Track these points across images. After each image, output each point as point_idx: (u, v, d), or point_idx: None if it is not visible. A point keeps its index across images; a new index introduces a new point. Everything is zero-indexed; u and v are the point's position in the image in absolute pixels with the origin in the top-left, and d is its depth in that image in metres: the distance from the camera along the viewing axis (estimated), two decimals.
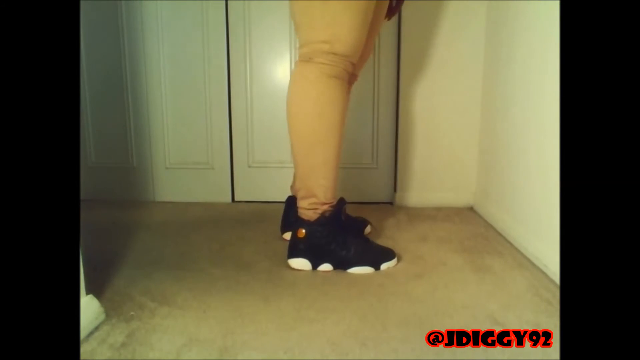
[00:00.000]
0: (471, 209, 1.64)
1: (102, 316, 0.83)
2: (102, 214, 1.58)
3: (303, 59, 1.04)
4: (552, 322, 0.81)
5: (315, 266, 1.07)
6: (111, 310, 0.86)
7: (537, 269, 1.06)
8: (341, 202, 1.11)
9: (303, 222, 1.09)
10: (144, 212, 1.61)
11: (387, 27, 1.62)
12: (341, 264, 1.06)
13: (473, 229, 1.39)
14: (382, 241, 1.26)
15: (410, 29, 1.59)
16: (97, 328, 0.80)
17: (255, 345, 0.75)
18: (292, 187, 1.26)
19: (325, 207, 1.08)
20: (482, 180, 1.60)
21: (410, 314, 0.85)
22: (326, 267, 1.07)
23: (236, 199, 1.77)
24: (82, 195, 1.56)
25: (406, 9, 1.57)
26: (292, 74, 1.07)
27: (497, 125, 1.44)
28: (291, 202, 1.25)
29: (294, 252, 1.08)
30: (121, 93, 1.73)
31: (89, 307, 0.80)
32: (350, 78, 1.13)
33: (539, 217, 1.11)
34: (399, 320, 0.82)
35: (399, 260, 1.11)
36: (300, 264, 1.07)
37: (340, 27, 1.00)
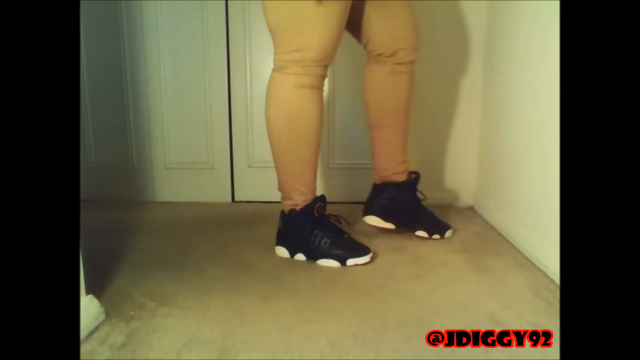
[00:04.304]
0: (471, 209, 1.64)
1: (102, 316, 0.83)
2: (102, 214, 1.58)
3: (276, 68, 1.09)
4: (552, 322, 0.81)
5: (292, 255, 1.15)
6: (111, 310, 0.86)
7: (537, 269, 1.06)
8: (318, 199, 1.13)
9: (281, 214, 1.17)
10: (144, 212, 1.61)
11: None
12: (312, 255, 1.12)
13: (473, 229, 1.39)
14: (382, 241, 1.26)
15: None
16: (97, 328, 0.80)
17: (255, 345, 0.75)
18: (375, 179, 1.34)
19: (302, 205, 1.13)
20: (482, 180, 1.60)
21: (410, 314, 0.85)
22: (300, 257, 1.14)
23: (236, 199, 1.77)
24: (82, 195, 1.57)
25: None
26: (268, 82, 1.11)
27: (497, 125, 1.44)
28: (377, 188, 1.30)
29: (277, 239, 1.19)
30: (121, 93, 1.73)
31: (89, 307, 0.80)
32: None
33: (539, 217, 1.11)
34: (399, 320, 0.82)
35: (374, 259, 1.12)
36: (280, 251, 1.17)
37: (310, 34, 1.02)
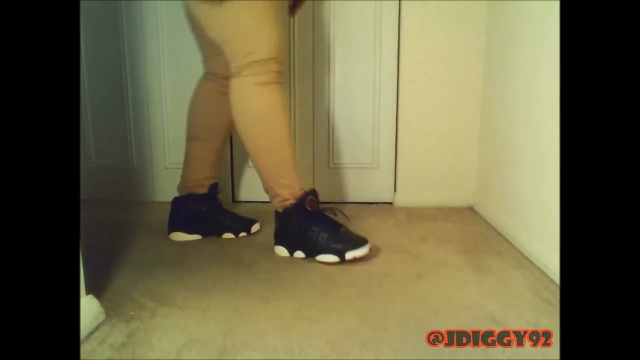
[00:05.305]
0: (471, 209, 1.64)
1: (102, 316, 0.83)
2: (102, 214, 1.58)
3: (233, 76, 1.11)
4: (552, 322, 0.81)
5: (291, 253, 1.15)
6: (111, 310, 0.86)
7: (537, 269, 1.06)
8: (308, 193, 1.14)
9: (276, 214, 1.19)
10: (144, 212, 1.61)
11: (387, 27, 1.62)
12: (311, 252, 1.12)
13: (473, 229, 1.39)
14: (382, 241, 1.26)
15: (410, 28, 1.59)
16: (97, 328, 0.80)
17: (255, 345, 0.75)
18: (178, 188, 1.34)
19: (293, 201, 1.14)
20: (482, 180, 1.60)
21: (410, 314, 0.85)
22: (299, 254, 1.14)
23: (236, 199, 1.76)
24: (82, 195, 1.57)
25: (406, 8, 1.57)
26: (229, 91, 1.13)
27: (497, 125, 1.44)
28: (177, 204, 1.32)
29: (275, 239, 1.19)
30: (121, 93, 1.73)
31: (89, 307, 0.80)
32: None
33: (539, 217, 1.11)
34: (399, 320, 0.82)
35: (372, 250, 1.13)
36: (279, 250, 1.18)
37: (256, 35, 1.06)
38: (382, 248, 1.20)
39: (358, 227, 1.40)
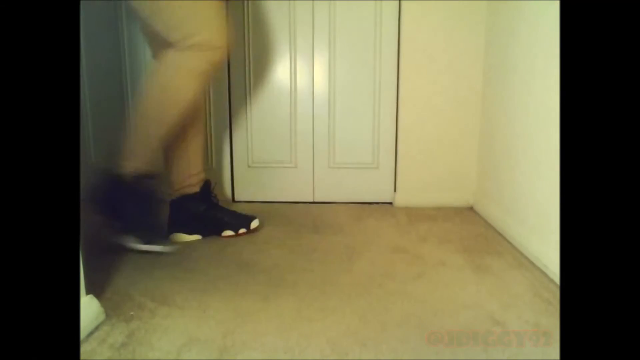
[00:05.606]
0: (471, 209, 1.64)
1: (102, 316, 0.83)
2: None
3: (175, 51, 1.11)
4: (552, 322, 0.81)
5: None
6: (111, 310, 0.86)
7: (537, 269, 1.06)
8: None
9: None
10: None
11: (388, 27, 1.62)
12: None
13: (473, 229, 1.39)
14: (382, 241, 1.26)
15: (411, 28, 1.59)
16: (97, 328, 0.80)
17: (255, 345, 0.75)
18: (169, 194, 1.34)
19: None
20: (482, 180, 1.60)
21: (410, 314, 0.85)
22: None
23: (236, 199, 1.76)
24: (82, 195, 1.57)
25: (406, 8, 1.57)
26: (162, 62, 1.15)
27: (497, 125, 1.44)
28: (175, 205, 1.32)
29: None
30: (121, 93, 1.73)
31: (89, 307, 0.80)
32: None
33: (539, 217, 1.11)
34: (399, 320, 0.82)
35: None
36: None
37: (189, 21, 1.08)
38: (382, 248, 1.20)
39: (358, 227, 1.40)
